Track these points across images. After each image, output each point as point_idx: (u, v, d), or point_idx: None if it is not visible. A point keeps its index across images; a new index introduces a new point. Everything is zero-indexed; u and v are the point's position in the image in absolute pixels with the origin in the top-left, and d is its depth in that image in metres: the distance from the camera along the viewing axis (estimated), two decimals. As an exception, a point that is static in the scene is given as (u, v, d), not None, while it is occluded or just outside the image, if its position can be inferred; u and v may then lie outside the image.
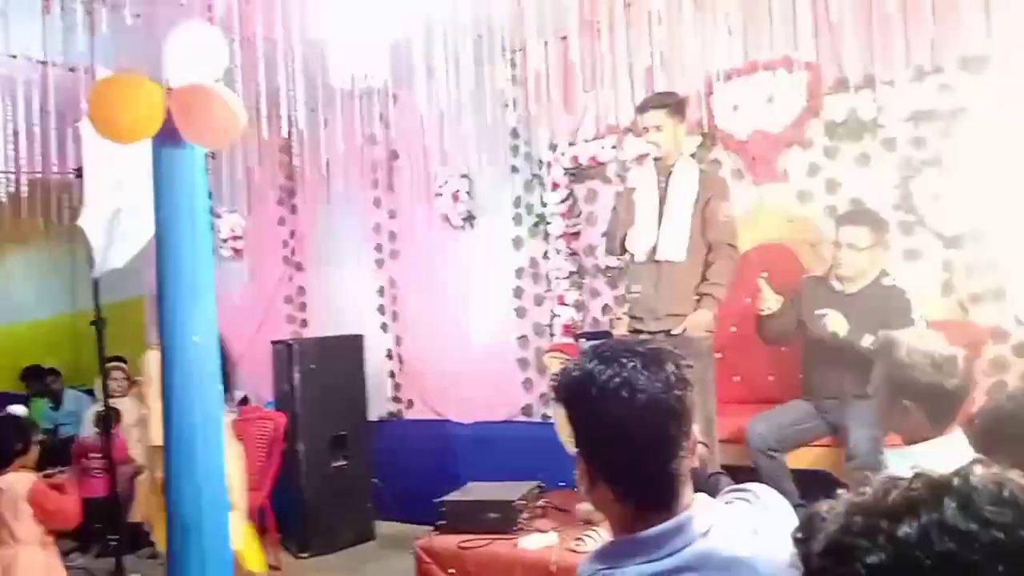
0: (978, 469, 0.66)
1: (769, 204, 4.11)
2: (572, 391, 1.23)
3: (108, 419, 4.10)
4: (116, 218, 3.25)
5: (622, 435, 1.18)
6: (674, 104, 3.49)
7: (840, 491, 0.71)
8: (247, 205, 6.09)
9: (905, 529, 0.62)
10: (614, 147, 4.46)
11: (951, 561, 0.60)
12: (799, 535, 0.69)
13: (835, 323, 3.32)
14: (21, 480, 3.25)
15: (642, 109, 3.53)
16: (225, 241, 6.32)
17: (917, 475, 0.66)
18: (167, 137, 2.75)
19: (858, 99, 3.82)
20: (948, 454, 1.81)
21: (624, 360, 1.19)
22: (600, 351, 1.23)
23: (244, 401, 5.62)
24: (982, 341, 3.54)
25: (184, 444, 3.16)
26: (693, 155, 4.09)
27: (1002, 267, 3.54)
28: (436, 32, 3.63)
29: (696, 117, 4.19)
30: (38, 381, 7.10)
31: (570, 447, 1.30)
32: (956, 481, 0.64)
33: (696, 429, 1.26)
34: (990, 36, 3.44)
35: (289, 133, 4.57)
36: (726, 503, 1.32)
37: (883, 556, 0.62)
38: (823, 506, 0.69)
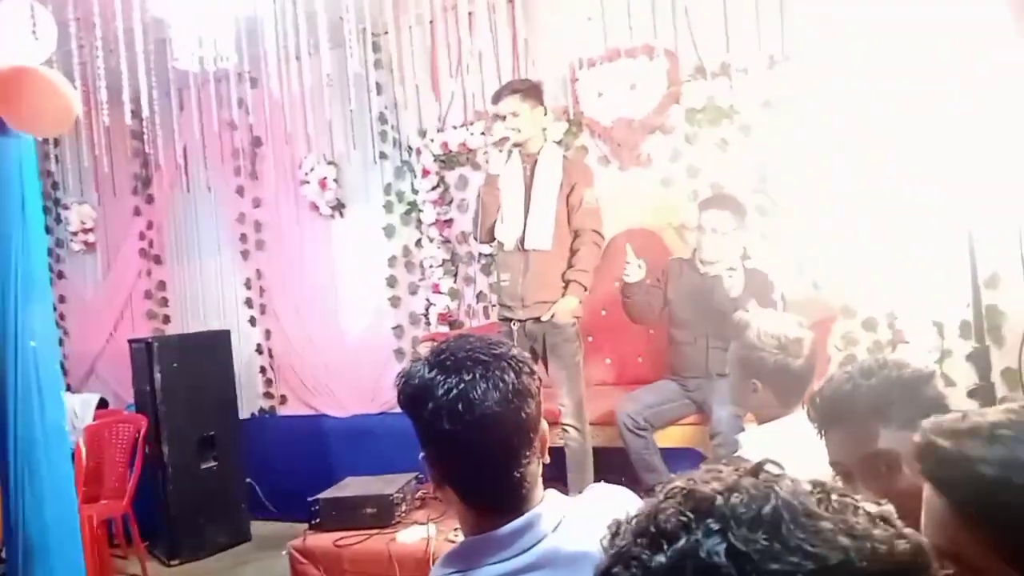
0: (747, 481, 0.61)
1: (634, 189, 4.18)
2: (411, 400, 1.19)
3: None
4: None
5: (459, 448, 1.16)
6: (526, 89, 3.48)
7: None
8: (97, 195, 5.70)
9: (659, 559, 0.58)
10: (483, 133, 4.42)
11: None
12: (604, 544, 0.65)
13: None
14: None
15: (496, 98, 3.51)
16: (75, 234, 5.92)
17: (688, 492, 0.61)
18: (-12, 125, 2.52)
19: (714, 86, 3.93)
20: (796, 431, 1.89)
21: (464, 372, 1.15)
22: (442, 357, 1.19)
23: (102, 404, 5.29)
24: (833, 317, 3.73)
25: (25, 457, 2.94)
26: (559, 142, 4.11)
27: (849, 245, 3.73)
28: (291, 13, 3.48)
29: (562, 104, 4.21)
30: None
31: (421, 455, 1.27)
32: (719, 500, 0.59)
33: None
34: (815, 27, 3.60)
35: (140, 119, 4.30)
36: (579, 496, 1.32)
37: None
38: (629, 515, 0.64)
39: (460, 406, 1.14)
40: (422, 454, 1.23)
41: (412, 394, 1.19)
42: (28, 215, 2.73)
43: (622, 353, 4.17)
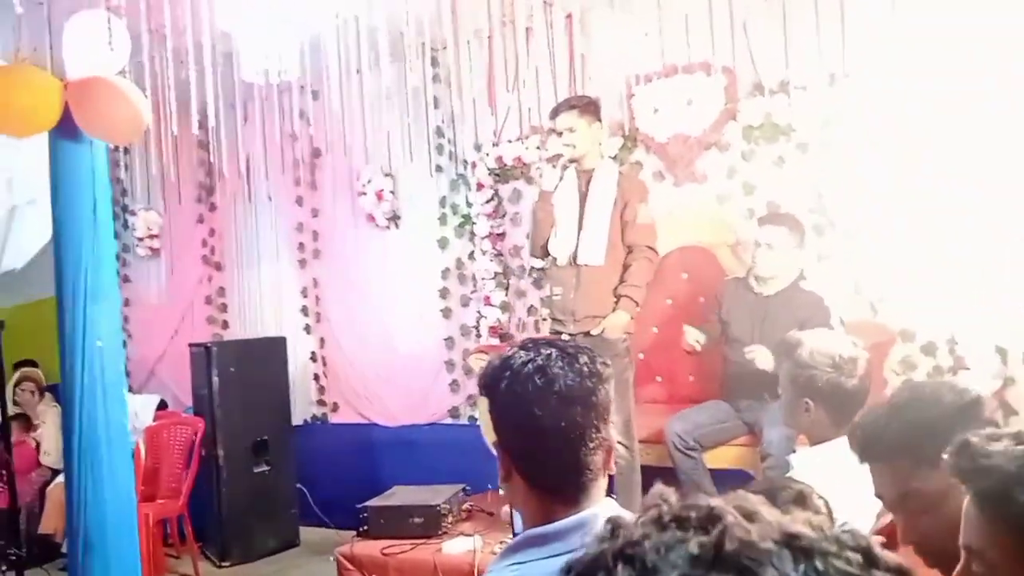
0: (659, 536, 0.56)
1: (689, 206, 4.16)
2: (490, 377, 1.28)
3: (7, 429, 3.91)
4: (12, 217, 3.09)
5: (532, 419, 1.22)
6: (584, 105, 3.50)
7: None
8: (163, 202, 5.89)
9: None
10: (538, 147, 4.45)
11: None
12: None
13: (762, 359, 3.29)
14: None
15: (554, 113, 3.54)
16: (141, 240, 6.11)
17: (615, 528, 0.58)
18: (65, 131, 2.63)
19: (772, 103, 3.89)
20: (848, 454, 1.85)
21: (543, 349, 1.26)
22: (523, 343, 1.31)
23: (162, 406, 5.44)
24: (891, 341, 3.64)
25: (87, 455, 3.04)
26: (614, 157, 4.11)
27: (909, 268, 3.65)
28: (354, 28, 3.56)
29: (618, 119, 4.22)
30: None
31: (491, 441, 1.36)
32: (630, 551, 0.55)
33: (614, 430, 1.30)
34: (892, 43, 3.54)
35: (206, 129, 4.44)
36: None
37: None
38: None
39: (537, 377, 1.22)
40: (495, 440, 1.30)
41: (491, 372, 1.28)
42: (99, 218, 2.83)
43: (673, 371, 4.13)
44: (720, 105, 4.03)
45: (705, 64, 3.97)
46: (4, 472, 4.39)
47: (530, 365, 1.23)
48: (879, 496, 1.44)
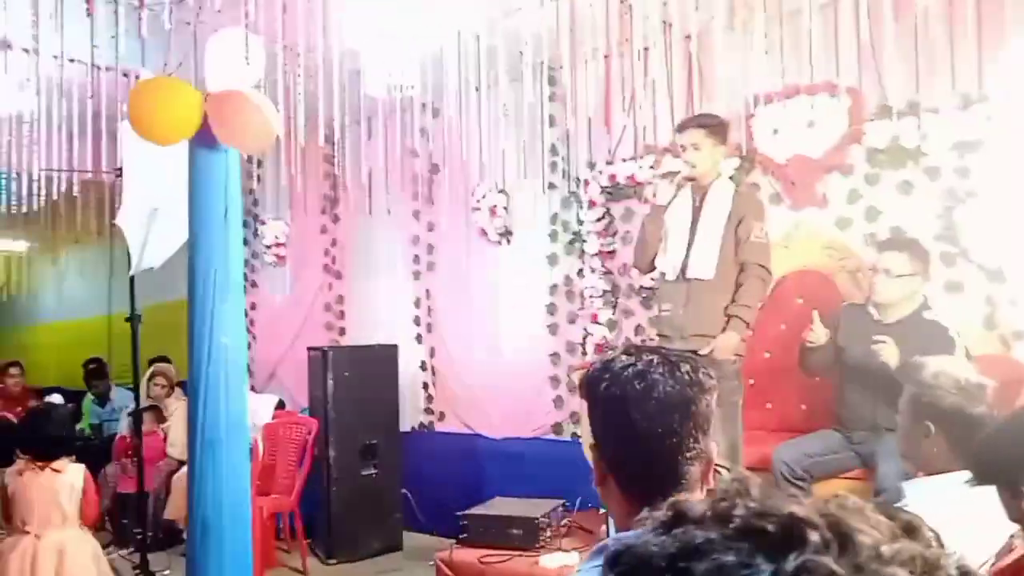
0: (722, 553, 0.51)
1: (807, 230, 4.03)
2: (590, 379, 1.29)
3: (139, 419, 4.20)
4: (153, 218, 3.34)
5: (629, 423, 1.23)
6: (713, 125, 3.47)
7: None
8: (290, 213, 6.20)
9: None
10: (651, 167, 4.43)
11: None
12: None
13: (888, 352, 3.18)
14: (79, 469, 3.39)
15: (681, 128, 3.52)
16: (269, 248, 6.45)
17: (676, 517, 0.54)
18: (203, 140, 2.83)
19: (900, 126, 3.74)
20: (967, 489, 1.75)
21: (645, 355, 1.26)
22: (626, 348, 1.31)
23: (280, 405, 5.70)
24: (1024, 378, 3.41)
25: (208, 445, 3.22)
26: (731, 177, 4.04)
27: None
28: (474, 47, 3.67)
29: (735, 140, 4.15)
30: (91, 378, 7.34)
31: (588, 445, 1.36)
32: (683, 563, 0.50)
33: (716, 452, 1.29)
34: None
35: (332, 143, 4.66)
36: None
37: None
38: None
39: (636, 382, 1.22)
40: (591, 443, 1.30)
41: (592, 375, 1.28)
42: (230, 223, 3.02)
43: (784, 399, 4.00)
44: (843, 127, 3.90)
45: (829, 84, 3.86)
46: (134, 459, 4.72)
47: (631, 369, 1.23)
48: (1015, 520, 1.36)
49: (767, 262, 3.45)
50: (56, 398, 4.28)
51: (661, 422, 1.22)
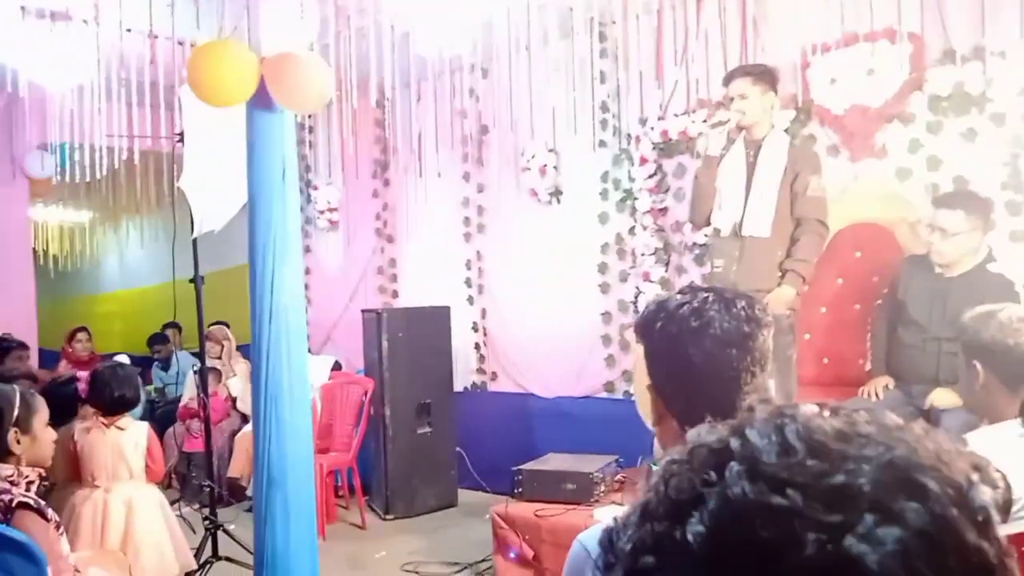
0: (759, 414, 0.52)
1: (865, 181, 3.95)
2: (645, 319, 1.30)
3: (205, 380, 4.33)
4: (214, 181, 3.42)
5: (686, 360, 1.24)
6: (759, 73, 3.41)
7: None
8: (343, 177, 6.27)
9: (695, 527, 0.48)
10: (705, 120, 4.36)
11: (762, 546, 0.46)
12: (608, 560, 0.54)
13: (939, 398, 3.17)
14: (142, 427, 3.53)
15: (727, 80, 3.47)
16: (322, 213, 6.54)
17: (693, 447, 0.52)
18: (260, 102, 2.87)
19: (965, 72, 3.61)
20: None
21: (700, 293, 1.27)
22: (683, 288, 1.32)
23: (336, 367, 5.83)
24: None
25: (272, 401, 3.31)
26: (786, 130, 3.97)
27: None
28: (524, 3, 3.65)
29: (791, 91, 4.06)
30: (156, 344, 7.60)
31: (644, 387, 1.37)
32: (735, 443, 0.50)
33: (772, 385, 1.29)
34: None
35: (383, 107, 4.69)
36: None
37: (682, 571, 0.48)
38: (620, 517, 0.54)
39: (692, 319, 1.23)
40: (647, 384, 1.32)
41: (647, 315, 1.30)
42: (287, 185, 3.07)
43: (842, 353, 3.95)
44: (904, 74, 3.79)
45: (889, 31, 3.75)
46: (200, 418, 4.88)
47: (686, 307, 1.24)
48: None
49: (824, 217, 3.39)
50: (123, 358, 4.44)
51: (718, 357, 1.23)
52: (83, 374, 3.50)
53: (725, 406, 1.22)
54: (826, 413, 0.52)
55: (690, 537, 0.48)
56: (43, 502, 2.33)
